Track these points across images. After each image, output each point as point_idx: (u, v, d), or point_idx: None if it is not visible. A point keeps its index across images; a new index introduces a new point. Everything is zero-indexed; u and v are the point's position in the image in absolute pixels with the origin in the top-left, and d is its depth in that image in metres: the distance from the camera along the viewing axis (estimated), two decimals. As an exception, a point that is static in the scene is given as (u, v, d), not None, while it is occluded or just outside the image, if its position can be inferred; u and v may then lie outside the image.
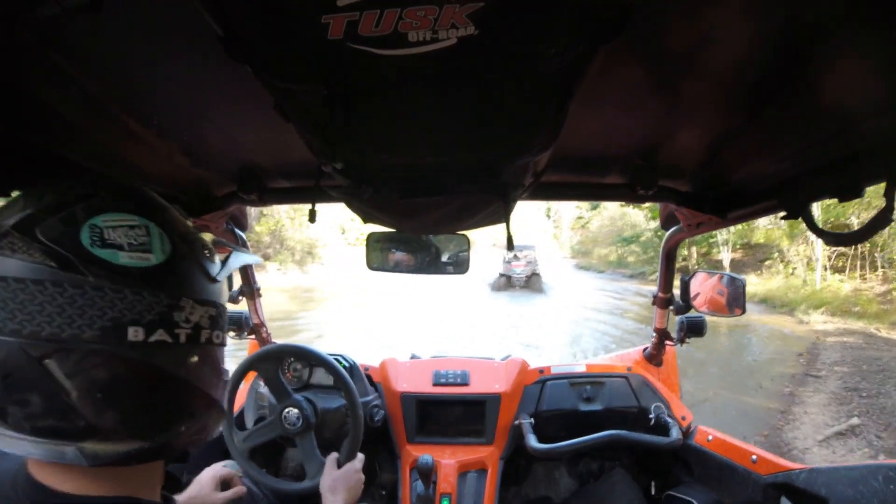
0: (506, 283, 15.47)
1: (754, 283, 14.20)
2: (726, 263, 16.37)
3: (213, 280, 0.51)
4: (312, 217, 0.91)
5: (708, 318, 1.51)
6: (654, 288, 1.61)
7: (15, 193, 0.67)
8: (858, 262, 13.17)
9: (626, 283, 19.22)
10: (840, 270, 13.35)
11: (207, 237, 0.53)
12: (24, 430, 0.42)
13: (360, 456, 1.19)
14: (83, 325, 0.42)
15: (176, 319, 0.46)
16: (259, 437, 1.30)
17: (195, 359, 0.49)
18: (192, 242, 0.50)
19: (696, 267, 16.76)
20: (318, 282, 17.12)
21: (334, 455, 1.16)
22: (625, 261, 24.41)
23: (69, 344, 0.41)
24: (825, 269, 13.14)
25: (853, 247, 11.42)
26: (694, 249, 18.31)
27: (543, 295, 15.04)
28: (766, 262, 15.55)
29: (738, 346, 8.53)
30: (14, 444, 0.42)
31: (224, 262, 0.54)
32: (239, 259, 0.57)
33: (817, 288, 12.45)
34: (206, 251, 0.52)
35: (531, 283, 15.58)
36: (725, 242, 17.22)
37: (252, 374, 1.39)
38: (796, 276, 13.96)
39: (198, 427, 0.51)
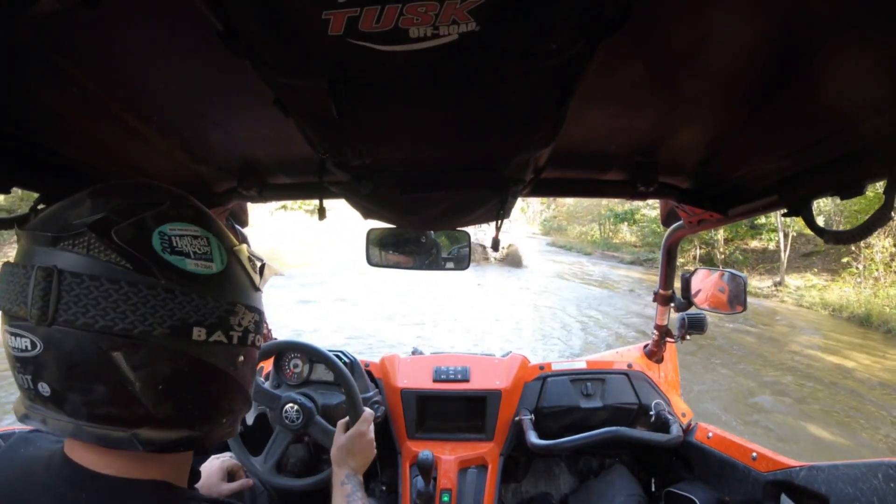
0: (480, 253, 13.66)
1: (820, 287, 11.11)
2: (784, 257, 12.83)
3: (258, 289, 0.56)
4: (322, 215, 0.91)
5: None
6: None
7: (15, 191, 0.68)
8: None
9: (634, 272, 15.15)
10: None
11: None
12: (80, 415, 0.45)
13: (367, 412, 1.15)
14: (154, 323, 0.45)
15: (231, 323, 0.51)
16: (277, 450, 1.30)
17: (241, 358, 0.53)
18: (238, 254, 0.54)
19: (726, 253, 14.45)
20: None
21: (343, 421, 1.13)
22: (611, 241, 21.84)
23: (140, 339, 0.44)
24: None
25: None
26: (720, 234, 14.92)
27: (526, 273, 13.12)
28: (843, 260, 12.10)
29: None
30: (65, 427, 0.45)
31: (261, 273, 0.59)
32: (271, 270, 0.63)
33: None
34: (250, 262, 0.56)
35: (509, 255, 14.25)
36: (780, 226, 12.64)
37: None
38: (866, 277, 10.60)
39: (233, 419, 0.55)
